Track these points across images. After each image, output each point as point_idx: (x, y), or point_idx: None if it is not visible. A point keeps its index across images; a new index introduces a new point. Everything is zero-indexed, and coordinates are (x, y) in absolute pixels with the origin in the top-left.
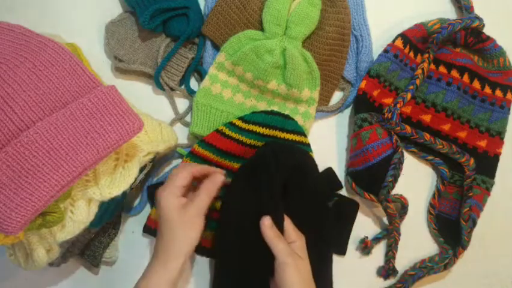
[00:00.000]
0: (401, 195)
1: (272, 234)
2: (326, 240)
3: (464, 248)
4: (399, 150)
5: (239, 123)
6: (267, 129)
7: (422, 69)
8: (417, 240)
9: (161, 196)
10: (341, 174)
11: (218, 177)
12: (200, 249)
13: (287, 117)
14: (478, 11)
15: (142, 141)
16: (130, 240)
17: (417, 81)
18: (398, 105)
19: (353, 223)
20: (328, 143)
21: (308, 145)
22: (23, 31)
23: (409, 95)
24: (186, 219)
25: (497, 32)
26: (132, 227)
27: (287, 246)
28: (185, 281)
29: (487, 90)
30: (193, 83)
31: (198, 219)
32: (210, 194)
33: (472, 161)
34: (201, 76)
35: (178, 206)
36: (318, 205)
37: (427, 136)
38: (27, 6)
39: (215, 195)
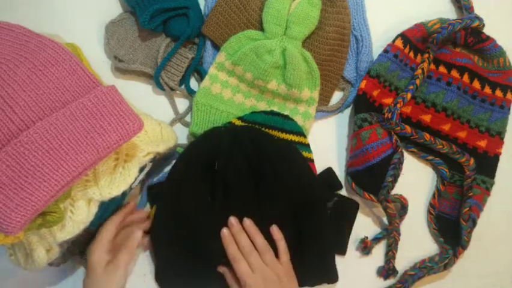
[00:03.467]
0: (401, 195)
1: (233, 251)
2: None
3: (464, 248)
4: (399, 150)
5: (239, 123)
6: (267, 130)
7: (422, 69)
8: (417, 240)
9: (89, 251)
10: (341, 174)
11: (136, 235)
12: None
13: (287, 117)
14: (478, 11)
15: (142, 141)
16: None
17: (417, 81)
18: (398, 105)
19: (353, 223)
20: (328, 143)
21: (308, 145)
22: (23, 31)
23: (409, 95)
24: (109, 276)
25: (497, 32)
26: None
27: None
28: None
29: (487, 90)
30: (193, 83)
31: (119, 275)
32: (131, 251)
33: (472, 161)
34: (201, 76)
35: (103, 262)
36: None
37: (427, 136)
38: (27, 6)
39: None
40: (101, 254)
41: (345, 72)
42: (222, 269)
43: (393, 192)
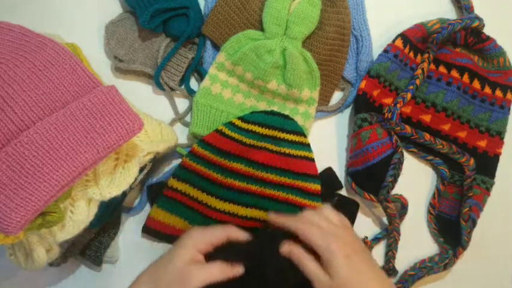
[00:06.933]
0: (400, 195)
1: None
2: None
3: (464, 248)
4: (399, 150)
5: (239, 123)
6: (267, 129)
7: (422, 69)
8: (417, 240)
9: (186, 234)
10: (341, 174)
11: (237, 269)
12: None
13: (287, 117)
14: (478, 11)
15: (142, 141)
16: (130, 240)
17: (417, 81)
18: (398, 105)
19: (353, 223)
20: (328, 143)
21: (308, 145)
22: (23, 31)
23: (409, 95)
24: (176, 283)
25: (497, 32)
26: (132, 227)
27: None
28: None
29: (487, 90)
30: (193, 83)
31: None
32: (216, 274)
33: (472, 161)
34: (201, 76)
35: (186, 258)
36: None
37: (427, 136)
38: (27, 6)
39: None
40: (191, 249)
41: (345, 72)
42: (287, 248)
43: (393, 192)
